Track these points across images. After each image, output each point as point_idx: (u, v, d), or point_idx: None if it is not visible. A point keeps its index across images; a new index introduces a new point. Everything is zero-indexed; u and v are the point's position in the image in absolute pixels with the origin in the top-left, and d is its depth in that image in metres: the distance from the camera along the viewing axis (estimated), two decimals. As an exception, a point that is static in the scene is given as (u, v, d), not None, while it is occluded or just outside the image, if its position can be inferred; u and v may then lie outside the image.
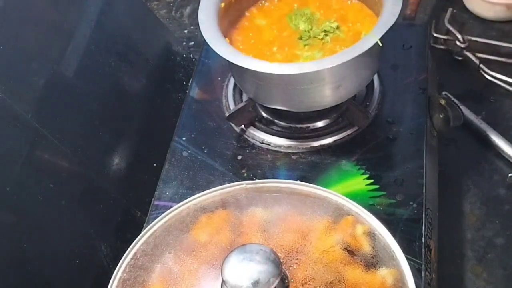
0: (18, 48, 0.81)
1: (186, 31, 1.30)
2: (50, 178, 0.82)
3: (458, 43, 1.11)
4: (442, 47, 1.14)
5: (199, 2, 0.85)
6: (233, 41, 0.87)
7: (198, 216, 0.70)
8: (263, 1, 0.91)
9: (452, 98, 1.02)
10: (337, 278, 0.62)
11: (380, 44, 0.77)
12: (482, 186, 0.97)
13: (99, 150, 0.91)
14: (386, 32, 0.77)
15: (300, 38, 0.85)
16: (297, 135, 0.88)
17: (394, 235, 0.67)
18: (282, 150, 0.87)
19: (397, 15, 0.78)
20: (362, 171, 0.83)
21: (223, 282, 0.58)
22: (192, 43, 1.26)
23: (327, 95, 0.83)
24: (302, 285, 0.61)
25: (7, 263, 0.75)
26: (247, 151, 0.88)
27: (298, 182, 0.74)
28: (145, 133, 1.01)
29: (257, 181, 0.74)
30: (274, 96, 0.84)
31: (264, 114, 0.90)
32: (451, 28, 1.13)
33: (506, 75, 1.07)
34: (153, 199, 0.85)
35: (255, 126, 0.90)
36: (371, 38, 0.77)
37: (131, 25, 1.03)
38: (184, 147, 0.90)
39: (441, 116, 0.91)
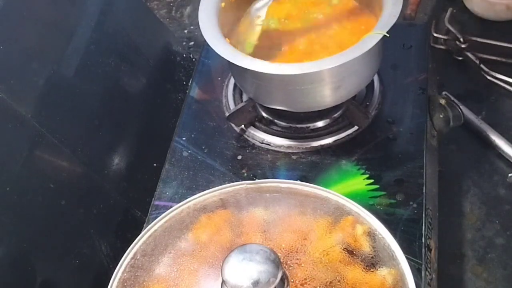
0: (18, 48, 0.81)
1: (186, 31, 1.30)
2: (50, 178, 0.82)
3: (458, 43, 1.11)
4: (442, 47, 1.14)
5: (199, 2, 0.85)
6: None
7: (198, 216, 0.70)
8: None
9: (452, 98, 1.02)
10: (337, 278, 0.62)
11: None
12: (482, 186, 0.97)
13: (99, 150, 0.91)
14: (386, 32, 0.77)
15: None
16: (297, 135, 0.88)
17: (394, 235, 0.67)
18: (282, 150, 0.87)
19: (397, 15, 0.78)
20: (362, 171, 0.83)
21: (223, 282, 0.58)
22: (192, 43, 1.26)
23: (327, 95, 0.83)
24: (302, 285, 0.61)
25: (7, 263, 0.75)
26: (247, 151, 0.88)
27: (298, 182, 0.74)
28: (145, 133, 1.01)
29: (257, 181, 0.74)
30: (274, 96, 0.84)
31: (264, 114, 0.90)
32: (451, 28, 1.12)
33: (506, 75, 1.07)
34: (153, 199, 0.85)
35: (255, 126, 0.90)
36: (372, 38, 0.77)
37: (131, 25, 1.03)
38: (184, 147, 0.90)
39: (441, 116, 0.91)
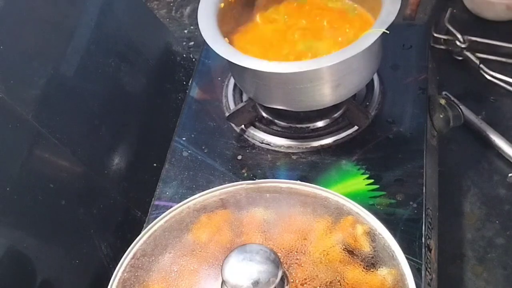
0: (18, 48, 0.81)
1: (186, 31, 1.30)
2: (50, 178, 0.82)
3: (458, 43, 1.11)
4: (442, 47, 1.14)
5: (199, 2, 0.85)
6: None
7: (198, 216, 0.70)
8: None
9: (452, 98, 1.02)
10: (337, 278, 0.62)
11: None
12: (482, 186, 0.97)
13: (99, 150, 0.91)
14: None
15: None
16: (297, 135, 0.88)
17: (394, 235, 0.67)
18: (282, 150, 0.87)
19: (396, 12, 0.78)
20: (362, 171, 0.83)
21: (223, 282, 0.58)
22: (192, 43, 1.26)
23: (326, 94, 0.83)
24: (302, 285, 0.61)
25: (7, 263, 0.75)
26: (247, 151, 0.88)
27: (298, 182, 0.74)
28: (145, 133, 1.01)
29: (257, 181, 0.74)
30: (274, 95, 0.84)
31: (264, 114, 0.90)
32: (451, 28, 1.12)
33: (506, 75, 1.07)
34: (153, 199, 0.85)
35: (255, 126, 0.90)
36: (370, 36, 0.76)
37: (131, 25, 1.03)
38: (184, 147, 0.90)
39: (441, 116, 0.91)
